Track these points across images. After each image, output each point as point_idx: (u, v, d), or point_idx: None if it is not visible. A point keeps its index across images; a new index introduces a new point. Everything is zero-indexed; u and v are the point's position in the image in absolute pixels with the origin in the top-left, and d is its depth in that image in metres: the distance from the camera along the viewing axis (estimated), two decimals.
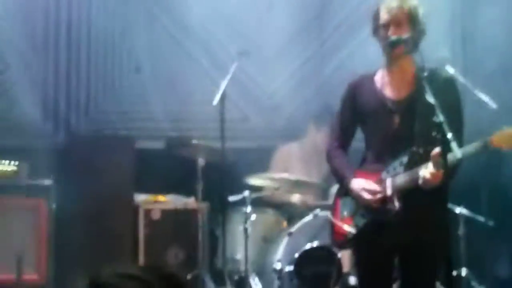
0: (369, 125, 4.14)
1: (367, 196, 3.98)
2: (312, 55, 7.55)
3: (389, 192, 3.94)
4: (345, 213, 4.20)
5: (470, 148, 3.77)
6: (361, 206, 4.07)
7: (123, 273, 1.60)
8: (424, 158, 3.80)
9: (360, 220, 4.10)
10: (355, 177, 4.08)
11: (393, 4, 3.96)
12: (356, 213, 4.14)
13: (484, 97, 6.27)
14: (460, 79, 6.47)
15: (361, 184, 4.02)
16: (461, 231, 6.31)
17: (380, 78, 4.12)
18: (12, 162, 6.01)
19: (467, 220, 6.35)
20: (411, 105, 3.96)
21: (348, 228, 4.12)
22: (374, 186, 3.99)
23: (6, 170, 6.02)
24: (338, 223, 4.21)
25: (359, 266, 4.30)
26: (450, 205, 5.90)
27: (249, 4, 7.34)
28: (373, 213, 4.02)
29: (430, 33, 6.40)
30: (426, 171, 3.72)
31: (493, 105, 6.20)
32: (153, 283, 1.58)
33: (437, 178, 3.67)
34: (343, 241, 4.26)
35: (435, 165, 3.64)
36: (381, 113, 4.04)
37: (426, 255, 3.96)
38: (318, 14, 7.47)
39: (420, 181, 3.76)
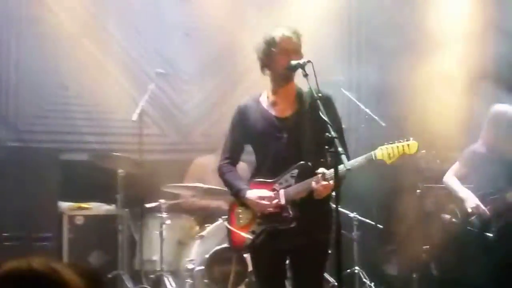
0: (260, 141, 4.28)
1: (264, 203, 4.15)
2: (225, 78, 7.80)
3: (283, 201, 4.15)
4: (241, 221, 4.33)
5: (358, 160, 4.04)
6: (257, 214, 4.24)
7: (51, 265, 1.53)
8: (313, 170, 4.04)
9: (257, 228, 4.24)
10: (249, 188, 4.25)
11: (290, 34, 4.16)
12: (252, 221, 4.27)
13: (375, 116, 6.93)
14: (354, 99, 7.12)
15: (256, 193, 4.19)
16: (354, 233, 6.74)
17: (266, 100, 4.30)
18: None
19: (360, 224, 6.80)
20: (297, 122, 4.16)
21: (246, 235, 4.26)
22: (269, 194, 4.17)
23: None
24: (236, 230, 4.33)
25: (257, 268, 4.44)
26: (344, 211, 6.47)
27: (167, 30, 7.53)
28: (270, 221, 4.19)
29: (328, 58, 6.98)
30: (318, 184, 3.95)
31: (382, 123, 6.91)
32: (72, 278, 1.52)
33: (329, 189, 3.97)
34: (241, 246, 4.37)
35: (325, 179, 3.90)
36: (270, 131, 4.21)
37: (316, 254, 4.20)
38: (230, 42, 7.59)
39: (314, 194, 3.97)
